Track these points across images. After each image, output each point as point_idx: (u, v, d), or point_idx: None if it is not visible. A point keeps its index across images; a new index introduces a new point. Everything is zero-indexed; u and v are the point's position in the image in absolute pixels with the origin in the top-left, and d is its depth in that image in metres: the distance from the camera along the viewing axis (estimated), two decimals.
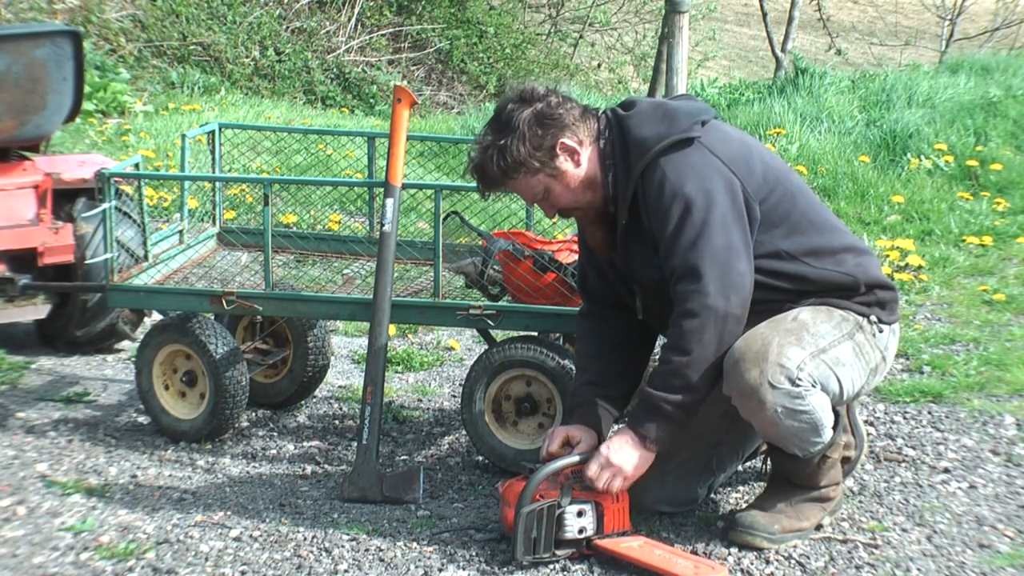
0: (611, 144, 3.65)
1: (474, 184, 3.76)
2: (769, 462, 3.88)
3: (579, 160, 3.64)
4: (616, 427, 3.85)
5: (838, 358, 3.59)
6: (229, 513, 3.98)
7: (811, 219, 3.68)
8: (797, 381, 3.49)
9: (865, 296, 3.70)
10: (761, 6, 12.48)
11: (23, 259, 5.35)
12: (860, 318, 3.68)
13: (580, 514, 3.58)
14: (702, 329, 3.45)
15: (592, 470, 3.57)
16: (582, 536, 3.58)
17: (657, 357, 3.76)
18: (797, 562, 3.61)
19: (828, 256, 3.66)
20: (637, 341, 3.87)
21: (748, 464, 4.13)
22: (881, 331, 3.72)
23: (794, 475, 3.72)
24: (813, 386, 3.53)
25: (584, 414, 3.76)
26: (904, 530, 3.81)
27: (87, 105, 9.81)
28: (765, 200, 3.59)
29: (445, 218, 4.42)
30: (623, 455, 3.56)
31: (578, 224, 3.85)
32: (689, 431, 3.80)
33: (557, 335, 4.46)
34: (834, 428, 3.65)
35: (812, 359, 3.53)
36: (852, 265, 3.69)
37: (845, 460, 3.89)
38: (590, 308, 3.93)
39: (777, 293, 3.63)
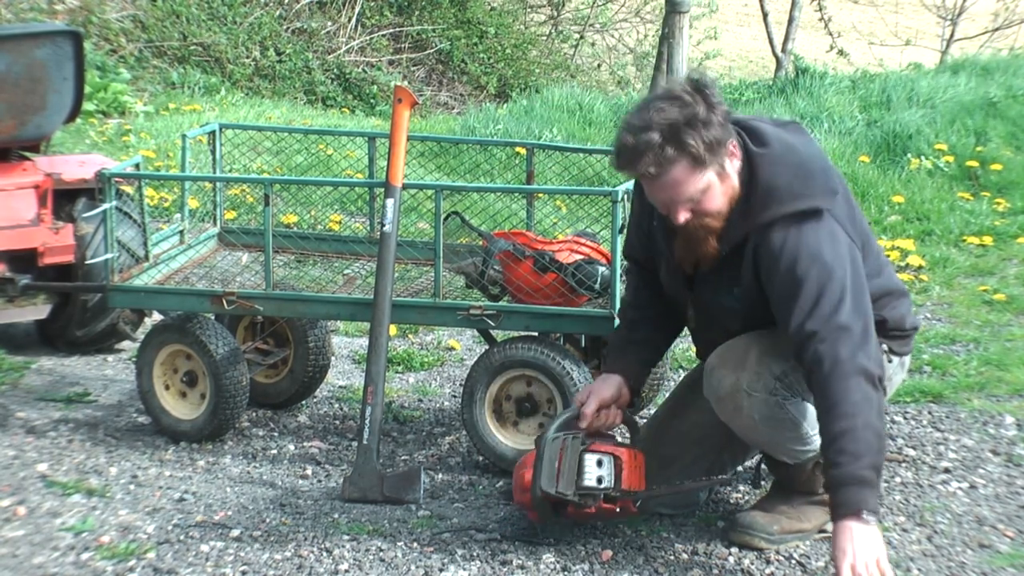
0: (740, 173, 3.46)
1: (613, 159, 3.42)
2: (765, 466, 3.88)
3: (736, 169, 3.45)
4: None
5: None
6: (230, 513, 3.98)
7: (872, 262, 3.60)
8: (774, 390, 3.49)
9: (885, 332, 3.64)
10: (761, 6, 12.45)
11: (24, 259, 5.35)
12: None
13: (599, 464, 3.57)
14: (856, 388, 3.28)
15: None
16: (600, 486, 3.55)
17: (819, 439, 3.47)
18: (797, 562, 3.61)
19: (877, 298, 3.57)
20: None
21: (749, 464, 4.12)
22: (890, 361, 3.68)
23: (790, 481, 3.72)
24: (793, 396, 3.51)
25: (613, 359, 3.82)
26: (904, 530, 3.81)
27: (87, 105, 9.78)
28: (864, 257, 3.52)
29: (446, 218, 4.42)
30: (860, 545, 3.22)
31: (679, 229, 3.51)
32: (692, 435, 3.80)
33: (557, 335, 4.46)
34: None
35: (795, 371, 3.48)
36: (888, 307, 3.64)
37: None
38: (634, 266, 3.93)
39: None
